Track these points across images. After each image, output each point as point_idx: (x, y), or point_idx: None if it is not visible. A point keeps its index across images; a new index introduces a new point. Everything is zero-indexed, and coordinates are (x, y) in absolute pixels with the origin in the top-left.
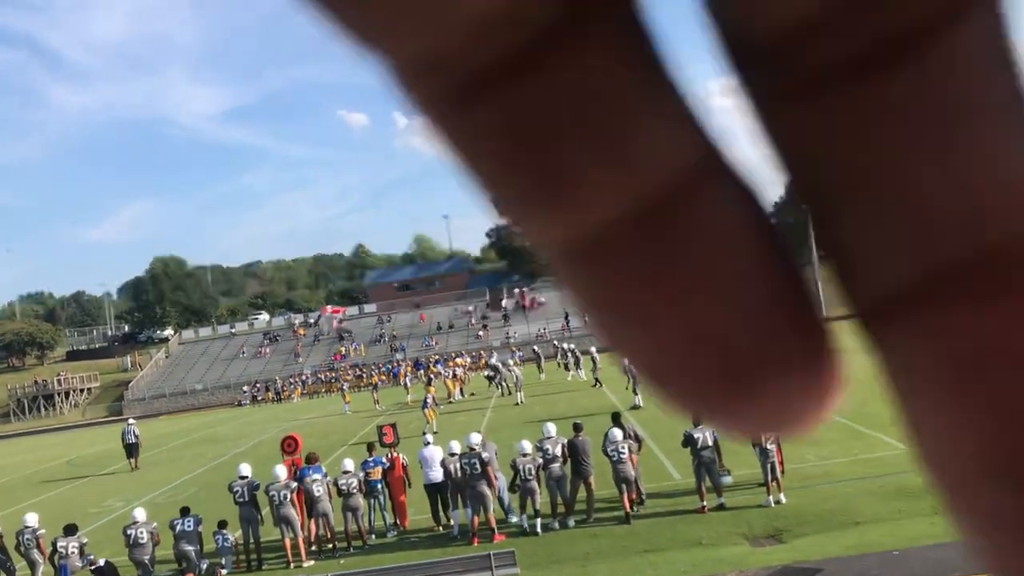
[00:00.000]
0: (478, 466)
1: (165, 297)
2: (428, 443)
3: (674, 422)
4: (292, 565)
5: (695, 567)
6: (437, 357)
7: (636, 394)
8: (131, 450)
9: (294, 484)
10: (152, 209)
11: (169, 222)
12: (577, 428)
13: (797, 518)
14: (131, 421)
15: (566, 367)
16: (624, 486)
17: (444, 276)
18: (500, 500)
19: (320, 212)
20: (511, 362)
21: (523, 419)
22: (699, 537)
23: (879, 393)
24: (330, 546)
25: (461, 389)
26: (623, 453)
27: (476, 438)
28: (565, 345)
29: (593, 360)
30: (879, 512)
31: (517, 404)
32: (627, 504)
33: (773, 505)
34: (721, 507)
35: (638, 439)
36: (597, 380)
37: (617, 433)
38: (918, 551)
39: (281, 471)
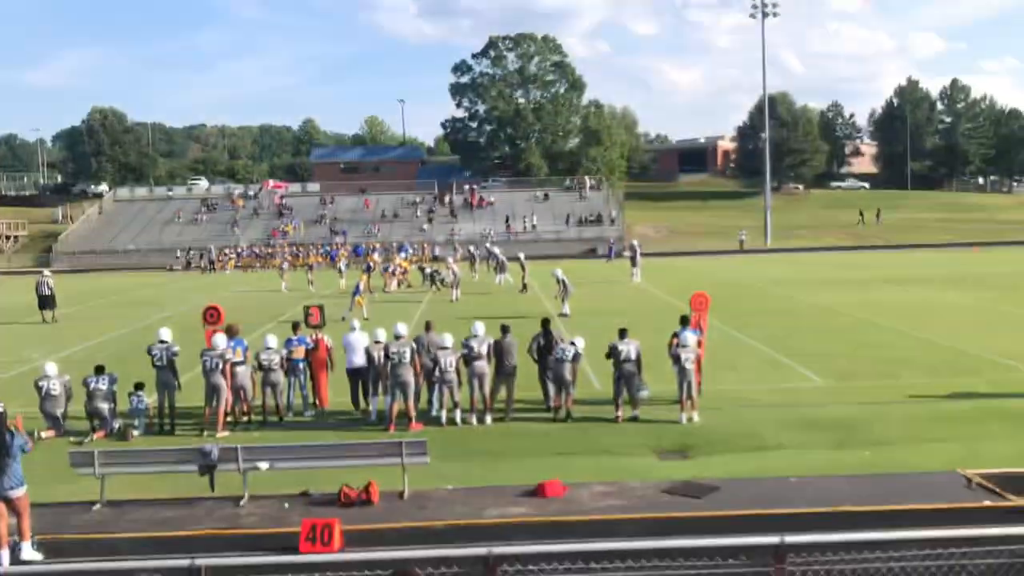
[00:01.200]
0: (407, 355)
1: (102, 151)
2: (354, 329)
3: (600, 333)
4: (206, 432)
5: (601, 473)
6: (377, 245)
7: (564, 303)
8: (44, 302)
9: (229, 354)
10: (95, 59)
11: (112, 74)
12: (504, 329)
13: (706, 437)
14: (46, 273)
15: (495, 270)
16: (561, 386)
17: (393, 163)
18: (429, 391)
19: (271, 81)
20: (450, 259)
21: (455, 316)
22: (609, 446)
23: (801, 327)
24: (246, 418)
25: (399, 282)
26: (567, 356)
27: (403, 328)
28: (497, 250)
29: (522, 266)
30: (784, 440)
31: (452, 301)
32: (560, 401)
33: (685, 423)
34: (635, 419)
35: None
36: (525, 286)
37: (579, 342)
38: (814, 480)
39: (221, 339)
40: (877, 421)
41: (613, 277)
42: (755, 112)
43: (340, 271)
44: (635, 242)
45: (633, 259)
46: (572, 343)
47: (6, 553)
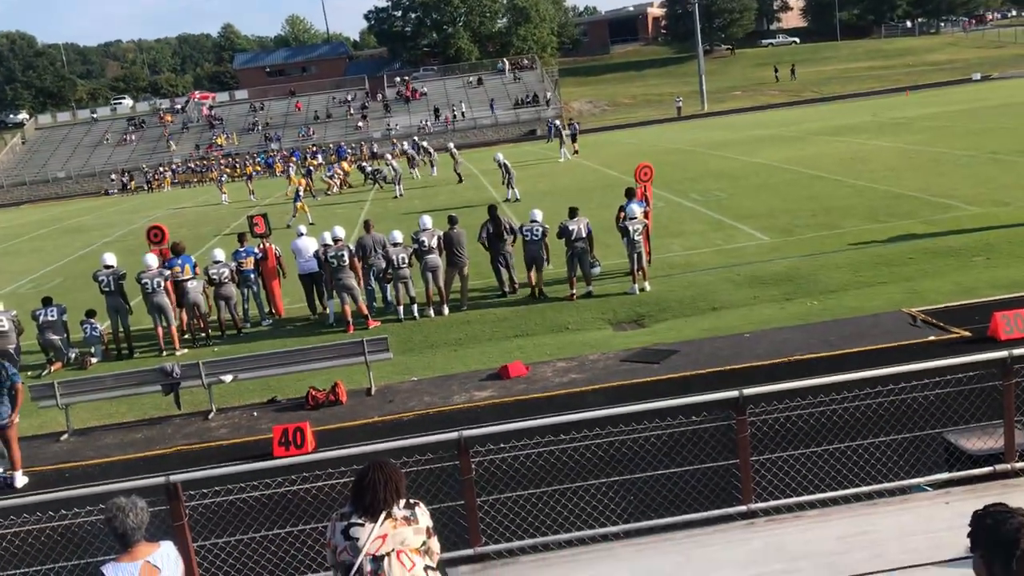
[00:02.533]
0: (345, 258)
1: (15, 78)
2: (301, 234)
3: (549, 215)
4: (164, 352)
5: (560, 349)
6: (316, 148)
7: (511, 188)
8: None
9: (167, 272)
10: None
11: None
12: (452, 221)
13: (659, 304)
14: None
15: (429, 164)
16: (534, 265)
17: (320, 61)
18: (383, 291)
19: None
20: (388, 156)
21: (401, 212)
22: (566, 323)
23: (742, 187)
24: (203, 334)
25: (340, 183)
26: (537, 235)
27: (340, 231)
28: (424, 143)
29: (452, 156)
30: (735, 299)
31: (396, 197)
32: (534, 281)
33: (637, 293)
34: (589, 295)
35: (512, 232)
36: (459, 175)
37: (537, 213)
38: (766, 333)
39: (152, 259)
40: (822, 271)
41: (555, 157)
42: None
43: (289, 176)
44: (573, 122)
45: (563, 136)
46: (533, 220)
47: None
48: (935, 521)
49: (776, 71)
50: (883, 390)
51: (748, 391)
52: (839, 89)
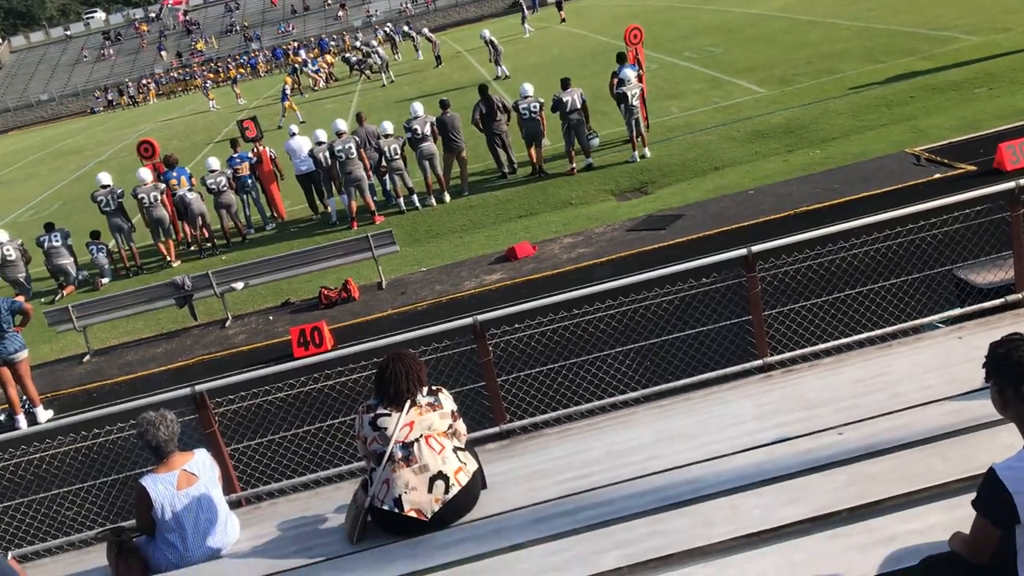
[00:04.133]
0: (352, 150)
1: None
2: (294, 134)
3: (541, 88)
4: (176, 263)
5: (566, 225)
6: (297, 44)
7: (499, 65)
8: None
9: (162, 185)
10: None
11: None
12: (444, 105)
13: (661, 170)
14: None
15: (414, 48)
16: (534, 142)
17: None
18: (382, 184)
19: None
20: (374, 42)
21: (391, 100)
22: (569, 198)
23: (736, 41)
24: (209, 245)
25: (327, 77)
26: (535, 111)
27: (342, 124)
28: (406, 27)
29: (429, 40)
30: (737, 156)
31: (384, 86)
32: (535, 158)
33: (638, 160)
34: (589, 167)
35: (506, 110)
36: (438, 58)
37: (527, 88)
38: (770, 188)
39: (146, 173)
40: (822, 119)
41: (543, 27)
42: None
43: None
44: None
45: (524, 11)
46: (525, 96)
47: (23, 418)
48: (949, 357)
49: None
50: (891, 233)
51: (756, 248)
52: None
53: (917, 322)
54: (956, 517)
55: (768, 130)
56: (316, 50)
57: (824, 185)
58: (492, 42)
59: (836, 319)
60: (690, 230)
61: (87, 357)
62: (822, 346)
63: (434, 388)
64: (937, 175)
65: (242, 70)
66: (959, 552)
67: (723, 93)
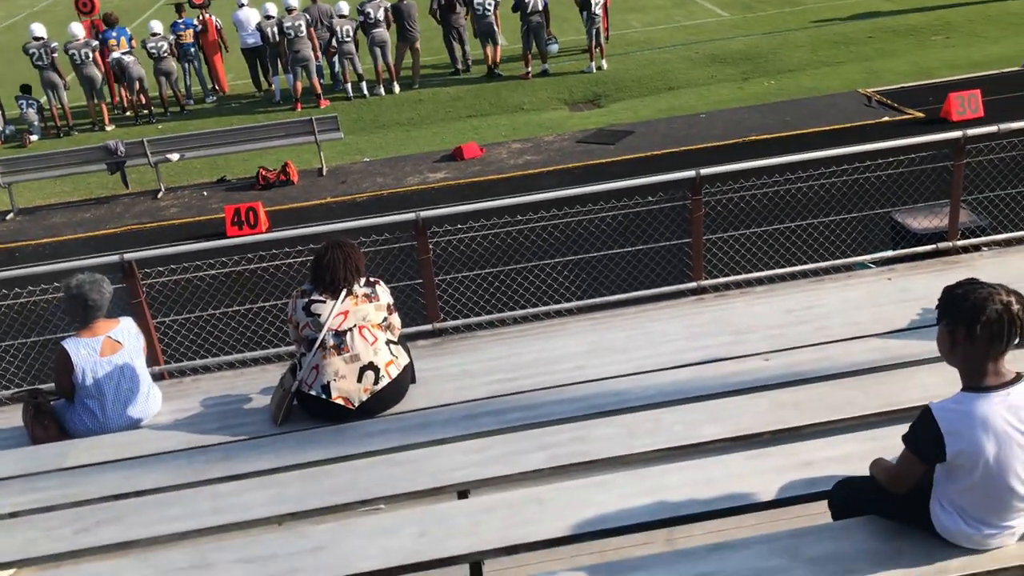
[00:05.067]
0: (302, 28)
1: None
2: (242, 5)
3: None
4: (97, 128)
5: (515, 131)
6: None
7: None
8: None
9: (94, 42)
10: None
11: None
12: None
13: (616, 84)
14: None
15: None
16: (488, 40)
17: None
18: (331, 67)
19: None
20: None
21: None
22: (521, 103)
23: None
24: (145, 112)
25: None
26: (489, 8)
27: (294, 0)
28: None
29: None
30: (693, 78)
31: None
32: (488, 58)
33: (595, 71)
34: (545, 73)
35: (466, 4)
36: None
37: None
38: (723, 113)
39: (78, 28)
40: (781, 49)
41: None
42: None
43: None
44: None
45: None
46: None
47: None
48: (878, 296)
49: None
50: (837, 170)
51: (705, 171)
52: None
53: (850, 260)
54: (872, 448)
55: (726, 55)
56: None
57: (775, 116)
58: None
59: (773, 250)
60: (639, 148)
61: (10, 215)
62: (755, 275)
63: (372, 280)
64: (886, 118)
65: None
66: (879, 479)
67: (686, 12)
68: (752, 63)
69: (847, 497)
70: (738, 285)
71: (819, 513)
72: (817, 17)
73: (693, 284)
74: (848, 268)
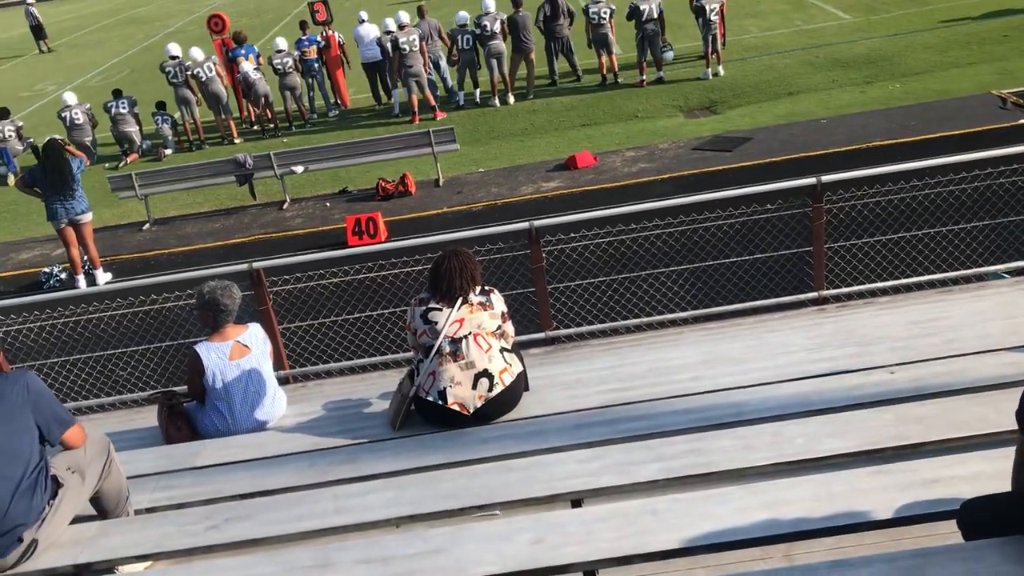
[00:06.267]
0: (416, 43)
1: None
2: (363, 20)
3: None
4: (227, 142)
5: (630, 139)
6: None
7: None
8: (36, 32)
9: (214, 57)
10: None
11: None
12: (516, 3)
13: (733, 90)
14: (29, 1)
15: None
16: (603, 49)
17: None
18: (444, 80)
19: None
20: None
21: None
22: (636, 110)
23: None
24: (271, 126)
25: None
26: (604, 17)
27: (405, 16)
28: None
29: None
30: (813, 83)
31: None
32: (603, 67)
33: (711, 78)
34: (660, 81)
35: (570, 14)
36: None
37: None
38: (844, 119)
39: (197, 52)
40: (907, 51)
41: None
42: None
43: None
44: None
45: None
46: (597, 1)
47: (83, 278)
48: (1013, 308)
49: None
50: (967, 176)
51: (827, 178)
52: None
53: (982, 269)
54: (1004, 468)
55: (848, 59)
56: None
57: (901, 121)
58: None
59: (898, 259)
60: (757, 155)
61: (147, 225)
62: (880, 284)
63: (487, 288)
64: (1022, 120)
65: None
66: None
67: (806, 16)
68: (876, 66)
69: (979, 512)
70: (861, 295)
71: (945, 533)
72: (946, 17)
73: (814, 294)
74: (980, 278)
